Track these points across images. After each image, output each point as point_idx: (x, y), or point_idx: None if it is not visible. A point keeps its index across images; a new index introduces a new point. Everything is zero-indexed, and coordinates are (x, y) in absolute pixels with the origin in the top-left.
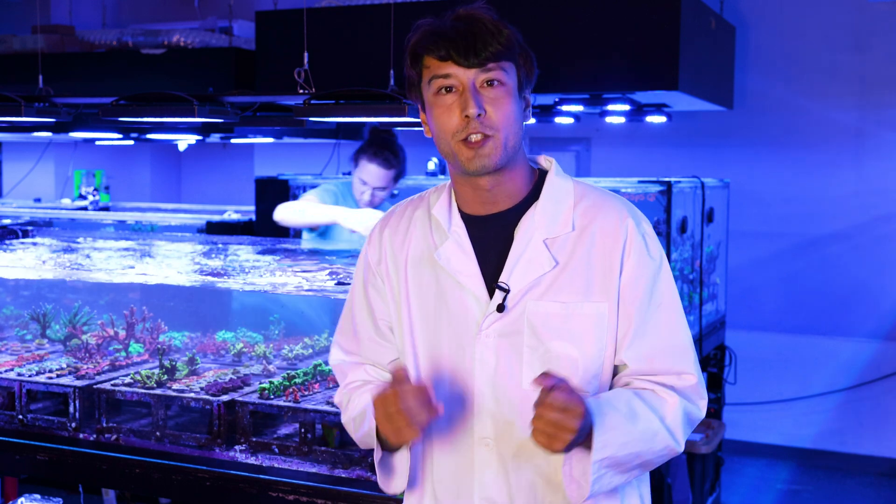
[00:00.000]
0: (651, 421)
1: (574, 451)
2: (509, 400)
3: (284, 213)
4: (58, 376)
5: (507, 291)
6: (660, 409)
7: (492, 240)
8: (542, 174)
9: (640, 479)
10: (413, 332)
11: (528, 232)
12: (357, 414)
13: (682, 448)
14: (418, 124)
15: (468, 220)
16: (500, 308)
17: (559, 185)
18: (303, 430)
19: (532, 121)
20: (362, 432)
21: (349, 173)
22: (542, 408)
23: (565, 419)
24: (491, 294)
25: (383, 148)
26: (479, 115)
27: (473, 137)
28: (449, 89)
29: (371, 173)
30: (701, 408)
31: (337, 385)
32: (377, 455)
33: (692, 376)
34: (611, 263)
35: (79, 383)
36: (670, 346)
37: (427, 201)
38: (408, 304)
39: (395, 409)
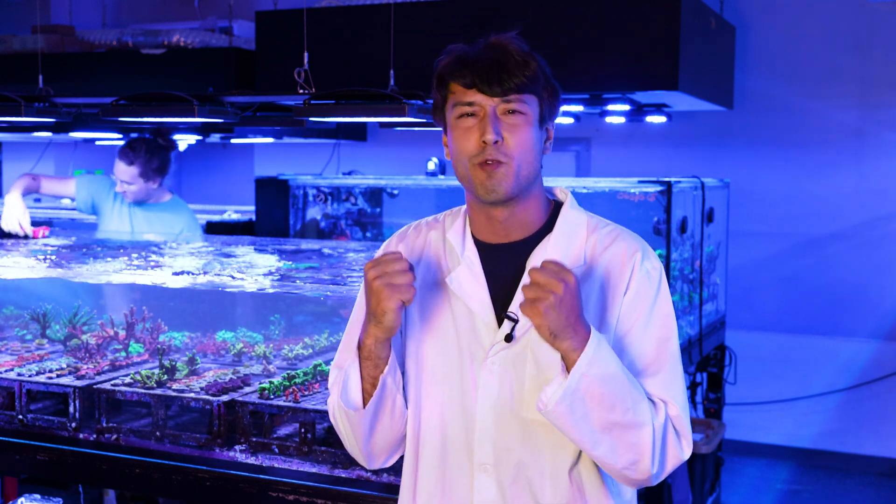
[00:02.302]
0: (641, 393)
1: (559, 380)
2: (510, 427)
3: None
4: (58, 376)
5: (515, 321)
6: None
7: (504, 269)
8: (557, 206)
9: None
10: (418, 352)
11: (540, 263)
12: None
13: (657, 452)
14: (418, 124)
15: (482, 247)
16: (509, 338)
17: (573, 219)
18: (303, 430)
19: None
20: (343, 380)
21: (349, 173)
22: (533, 272)
23: (551, 281)
24: (500, 322)
25: (128, 145)
26: (496, 141)
27: (489, 161)
28: (471, 114)
29: (115, 167)
30: (683, 447)
31: None
32: (352, 374)
33: (675, 407)
34: (614, 298)
35: (79, 383)
36: (660, 378)
37: (443, 224)
38: (416, 324)
39: (385, 270)
